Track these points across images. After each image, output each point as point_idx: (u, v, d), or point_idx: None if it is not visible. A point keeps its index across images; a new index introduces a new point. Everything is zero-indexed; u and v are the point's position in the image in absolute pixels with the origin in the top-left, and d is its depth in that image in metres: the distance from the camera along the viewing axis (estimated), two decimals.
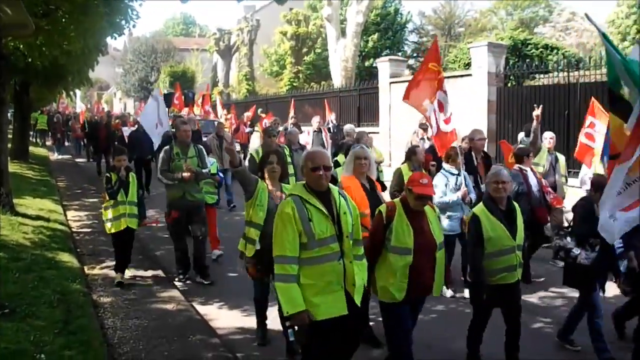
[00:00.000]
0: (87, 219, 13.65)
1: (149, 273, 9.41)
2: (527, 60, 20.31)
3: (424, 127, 14.36)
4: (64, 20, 11.08)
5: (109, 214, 8.84)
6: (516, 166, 9.43)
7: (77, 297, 7.68)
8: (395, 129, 21.73)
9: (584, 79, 16.28)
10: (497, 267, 5.86)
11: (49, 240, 10.40)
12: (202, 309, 7.98)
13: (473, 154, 9.66)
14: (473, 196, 8.61)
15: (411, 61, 45.04)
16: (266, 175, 6.43)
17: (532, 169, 9.53)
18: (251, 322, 7.46)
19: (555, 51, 23.69)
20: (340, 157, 10.63)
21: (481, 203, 6.15)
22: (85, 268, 9.57)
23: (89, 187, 18.87)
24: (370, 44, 41.78)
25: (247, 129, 24.56)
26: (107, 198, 8.87)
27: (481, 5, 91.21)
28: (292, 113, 22.91)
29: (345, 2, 35.56)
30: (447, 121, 8.70)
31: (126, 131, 22.92)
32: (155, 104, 15.58)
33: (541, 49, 23.60)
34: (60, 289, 7.76)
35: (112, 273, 9.22)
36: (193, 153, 9.39)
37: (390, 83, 22.63)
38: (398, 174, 8.96)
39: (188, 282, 9.20)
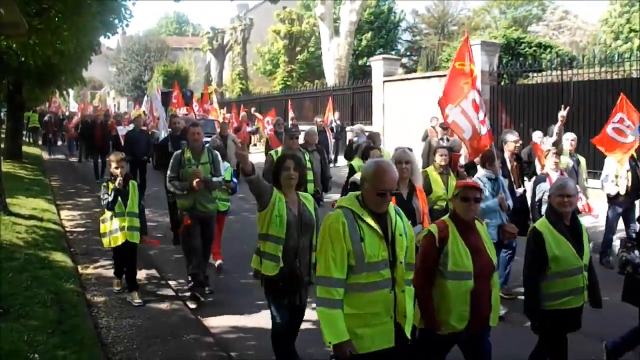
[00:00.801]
0: (80, 218, 13.62)
1: (143, 272, 9.36)
2: (521, 58, 20.36)
3: (444, 126, 14.19)
4: (57, 19, 11.04)
5: (107, 226, 8.07)
6: (544, 170, 8.85)
7: (71, 297, 7.67)
8: (389, 127, 21.77)
9: (577, 77, 16.38)
10: (562, 289, 5.19)
11: (42, 240, 10.37)
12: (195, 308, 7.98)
13: (506, 157, 9.11)
14: (510, 202, 8.07)
15: (405, 60, 45.13)
16: (282, 183, 5.49)
17: (562, 173, 8.74)
18: (244, 321, 7.47)
19: (548, 50, 23.73)
20: (356, 161, 10.21)
21: (543, 217, 5.49)
22: (79, 267, 9.54)
23: (82, 187, 18.81)
24: (363, 43, 41.85)
25: (249, 129, 23.76)
26: (105, 209, 8.09)
27: (474, 4, 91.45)
28: (291, 113, 22.49)
29: (338, 0, 35.60)
30: (482, 122, 8.03)
31: (121, 130, 22.65)
32: (158, 102, 15.67)
33: (534, 48, 23.64)
34: (54, 289, 7.74)
35: (106, 272, 9.21)
36: (206, 159, 8.42)
37: (384, 82, 22.69)
38: (425, 176, 8.26)
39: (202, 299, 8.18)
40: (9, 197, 12.53)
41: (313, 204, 5.60)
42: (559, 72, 17.01)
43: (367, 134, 12.79)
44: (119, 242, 7.98)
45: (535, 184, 8.61)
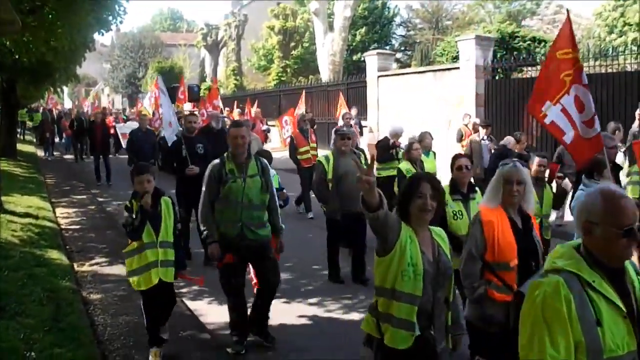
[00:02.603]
0: (75, 215, 13.61)
1: None
2: (515, 53, 20.43)
3: (484, 124, 13.75)
4: (50, 16, 11.05)
5: (133, 262, 6.05)
6: None
7: (67, 294, 7.67)
8: (384, 123, 21.75)
9: None
10: None
11: (37, 238, 10.36)
12: (192, 304, 7.95)
13: None
14: None
15: (399, 55, 45.14)
16: (412, 215, 3.87)
17: None
18: None
19: (542, 44, 23.78)
20: (404, 165, 9.43)
21: None
22: (75, 265, 9.54)
23: (77, 184, 18.80)
24: (357, 38, 41.84)
25: (264, 127, 21.68)
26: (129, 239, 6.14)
27: None
28: (303, 107, 21.46)
29: None
30: (589, 123, 6.56)
31: (120, 128, 22.25)
32: (165, 98, 13.52)
33: (529, 42, 23.70)
34: (49, 287, 7.74)
35: (102, 270, 9.21)
36: (255, 170, 6.38)
37: (378, 77, 22.68)
38: None
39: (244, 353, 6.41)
40: (3, 195, 12.50)
41: (448, 244, 4.09)
42: None
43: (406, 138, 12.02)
44: (153, 283, 5.97)
45: None
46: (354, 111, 19.77)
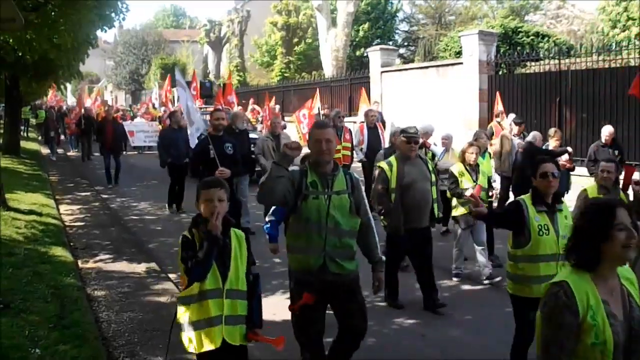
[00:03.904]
0: (79, 212, 13.62)
1: (143, 266, 9.35)
2: (518, 48, 20.40)
3: (517, 121, 12.82)
4: (53, 13, 11.07)
5: (190, 314, 4.23)
6: None
7: (71, 291, 7.67)
8: (387, 118, 21.79)
9: (574, 66, 16.39)
10: None
11: (42, 235, 10.36)
12: None
13: None
14: None
15: (402, 50, 45.08)
16: (608, 258, 2.78)
17: None
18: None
19: (546, 39, 23.74)
20: (457, 168, 8.60)
21: None
22: (79, 262, 9.53)
23: (81, 181, 18.82)
24: (361, 34, 41.79)
25: (282, 123, 20.51)
26: (186, 281, 4.25)
27: None
28: (318, 103, 20.99)
29: None
30: None
31: (127, 125, 22.09)
32: (184, 93, 12.26)
33: (532, 37, 23.66)
34: (54, 284, 7.75)
35: (106, 266, 9.21)
36: (343, 184, 4.93)
37: (382, 72, 22.71)
38: (584, 197, 6.48)
39: None
40: (7, 193, 12.52)
41: (638, 287, 2.98)
42: (556, 61, 17.01)
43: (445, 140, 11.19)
44: (216, 345, 4.16)
45: None
46: (374, 106, 18.32)
